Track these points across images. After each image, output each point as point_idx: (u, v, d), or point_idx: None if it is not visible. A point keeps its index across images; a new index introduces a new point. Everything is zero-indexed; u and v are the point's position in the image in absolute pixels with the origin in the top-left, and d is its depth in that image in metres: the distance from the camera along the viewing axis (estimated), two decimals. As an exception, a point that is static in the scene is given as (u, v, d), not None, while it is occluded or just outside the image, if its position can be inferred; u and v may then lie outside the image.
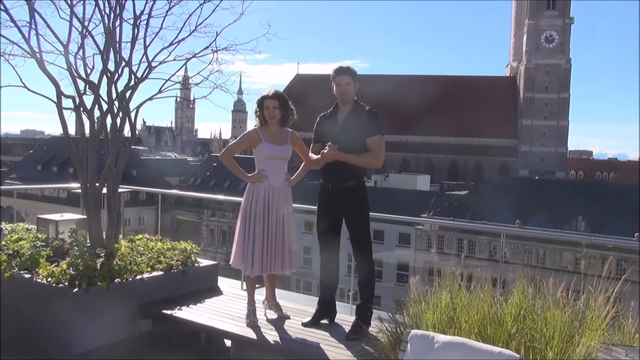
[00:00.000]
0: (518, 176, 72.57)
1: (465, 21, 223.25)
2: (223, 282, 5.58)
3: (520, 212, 46.85)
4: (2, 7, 4.64)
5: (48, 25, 4.68)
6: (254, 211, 4.14)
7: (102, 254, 4.71)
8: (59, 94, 4.92)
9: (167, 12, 4.84)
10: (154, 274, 4.76)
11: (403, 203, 44.63)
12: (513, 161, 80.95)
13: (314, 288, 32.05)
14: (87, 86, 5.08)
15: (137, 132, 5.73)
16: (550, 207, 47.79)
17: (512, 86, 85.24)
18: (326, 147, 3.97)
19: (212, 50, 5.27)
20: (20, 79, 4.97)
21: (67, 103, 5.23)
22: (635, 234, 40.50)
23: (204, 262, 5.34)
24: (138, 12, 4.87)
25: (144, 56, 5.03)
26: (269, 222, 4.13)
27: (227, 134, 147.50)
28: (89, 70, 5.14)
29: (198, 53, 5.41)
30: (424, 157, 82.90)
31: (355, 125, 4.03)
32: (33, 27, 4.75)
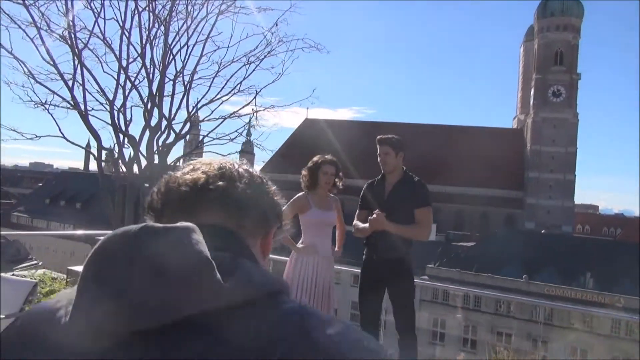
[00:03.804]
0: (524, 229, 72.08)
1: (473, 72, 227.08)
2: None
3: (527, 267, 46.26)
4: (52, 62, 4.76)
5: (97, 82, 4.78)
6: (301, 284, 4.01)
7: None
8: (100, 148, 4.98)
9: (216, 73, 4.93)
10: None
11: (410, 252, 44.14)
12: (519, 213, 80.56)
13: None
14: (127, 140, 5.15)
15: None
16: (558, 262, 47.20)
17: (519, 138, 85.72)
18: (374, 214, 3.92)
19: (252, 109, 5.35)
20: (60, 130, 5.06)
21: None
22: (645, 294, 39.86)
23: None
24: (187, 74, 4.96)
25: (187, 114, 5.11)
26: (315, 294, 4.03)
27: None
28: (127, 124, 5.22)
29: (237, 111, 5.50)
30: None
31: (404, 196, 3.98)
32: (80, 81, 4.86)
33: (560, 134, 78.89)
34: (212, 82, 4.82)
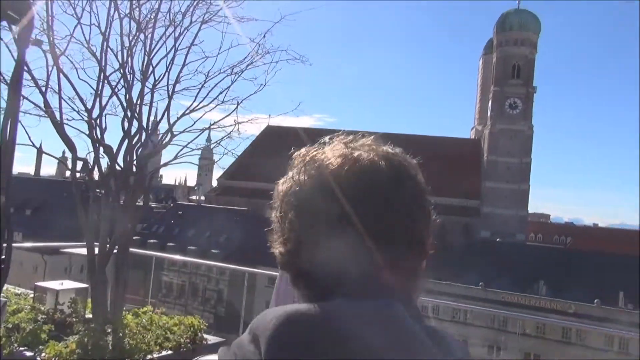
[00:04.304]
0: (480, 237, 73.66)
1: (432, 84, 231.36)
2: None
3: (483, 274, 47.26)
4: (26, 67, 4.51)
5: (75, 90, 4.56)
6: (289, 298, 4.00)
7: (110, 330, 4.44)
8: (75, 159, 4.76)
9: (202, 83, 4.79)
10: (163, 353, 4.50)
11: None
12: (475, 222, 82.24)
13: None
14: (103, 149, 4.94)
15: (149, 198, 5.56)
16: (513, 270, 48.41)
17: (477, 148, 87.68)
18: None
19: (234, 120, 5.25)
20: (29, 138, 4.80)
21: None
22: (595, 301, 41.33)
23: (212, 339, 5.10)
24: (171, 84, 4.80)
25: (168, 125, 4.95)
26: None
27: (192, 181, 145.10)
28: (103, 132, 5.00)
29: (218, 121, 5.38)
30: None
31: None
32: (54, 89, 4.63)
33: (515, 145, 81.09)
34: (198, 92, 4.69)
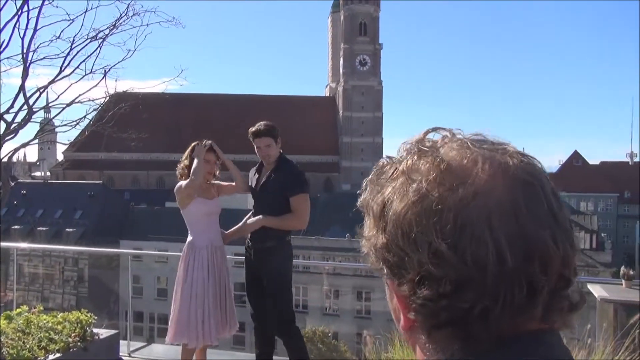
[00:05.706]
0: (342, 190, 76.98)
1: (286, 43, 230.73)
2: (123, 348, 5.01)
3: (348, 227, 49.56)
4: None
5: None
6: (200, 275, 3.75)
7: (-19, 342, 3.85)
8: None
9: (68, 50, 4.19)
10: (51, 357, 4.02)
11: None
12: (336, 176, 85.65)
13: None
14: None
15: (10, 184, 4.85)
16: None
17: (332, 106, 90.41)
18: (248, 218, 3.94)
19: (105, 93, 4.73)
20: None
21: None
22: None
23: (104, 333, 4.67)
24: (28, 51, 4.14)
25: (24, 99, 4.30)
26: (214, 285, 3.81)
27: (32, 157, 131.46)
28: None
29: (84, 93, 4.80)
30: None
31: (277, 184, 3.80)
32: None
33: (368, 100, 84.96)
34: (64, 61, 4.05)
